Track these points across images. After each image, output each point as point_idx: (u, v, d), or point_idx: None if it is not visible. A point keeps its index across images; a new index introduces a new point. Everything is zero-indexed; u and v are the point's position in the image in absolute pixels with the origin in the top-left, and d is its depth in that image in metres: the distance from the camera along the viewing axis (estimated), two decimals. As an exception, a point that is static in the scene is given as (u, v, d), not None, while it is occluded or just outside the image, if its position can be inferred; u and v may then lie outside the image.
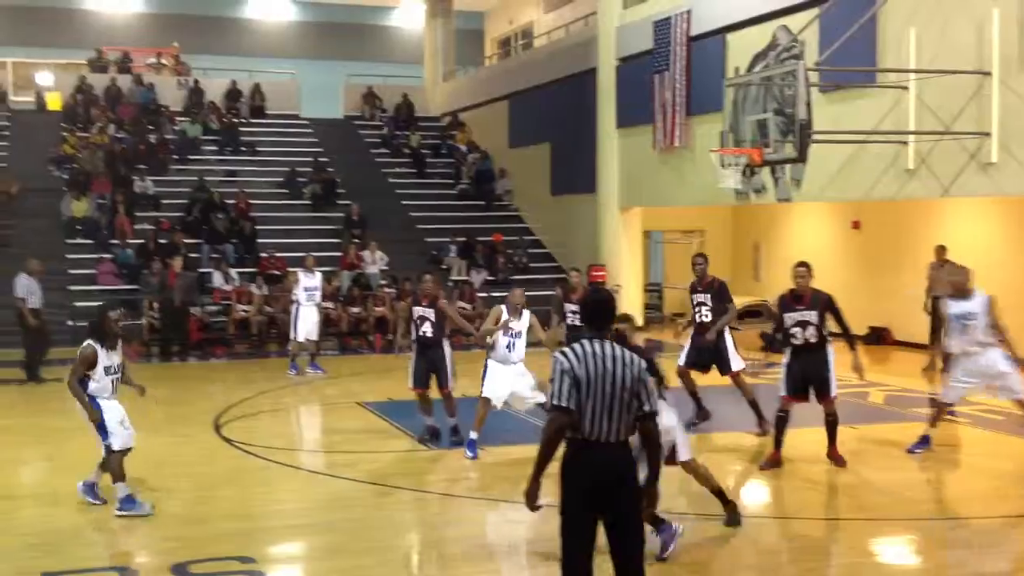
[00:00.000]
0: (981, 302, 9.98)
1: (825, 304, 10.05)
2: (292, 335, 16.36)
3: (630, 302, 22.10)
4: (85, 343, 8.66)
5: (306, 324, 16.23)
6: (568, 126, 24.29)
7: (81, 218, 22.54)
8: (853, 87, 15.80)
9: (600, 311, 5.43)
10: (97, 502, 8.75)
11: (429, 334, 10.95)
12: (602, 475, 5.21)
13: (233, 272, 21.13)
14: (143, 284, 19.94)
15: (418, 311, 11.02)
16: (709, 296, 11.65)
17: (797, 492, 9.50)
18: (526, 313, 10.69)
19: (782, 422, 10.04)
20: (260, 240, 22.89)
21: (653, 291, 24.72)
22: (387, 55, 39.52)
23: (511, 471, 9.68)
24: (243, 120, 29.01)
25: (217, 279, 20.82)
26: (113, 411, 8.64)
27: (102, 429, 8.57)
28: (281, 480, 9.99)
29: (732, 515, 7.96)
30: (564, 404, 5.15)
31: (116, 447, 8.58)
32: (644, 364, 5.34)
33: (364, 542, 7.95)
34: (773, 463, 9.96)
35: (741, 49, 18.34)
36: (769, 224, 23.03)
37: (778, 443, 10.03)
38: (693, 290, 11.84)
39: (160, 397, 12.40)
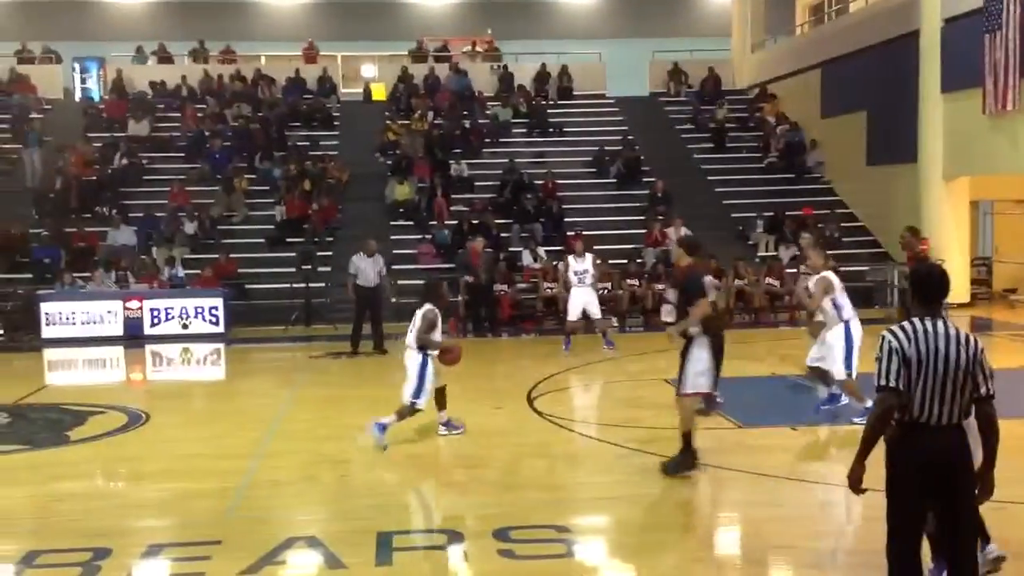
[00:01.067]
0: None
1: None
2: (571, 316, 16.77)
3: (955, 278, 20.71)
4: (429, 307, 10.05)
5: (576, 305, 16.61)
6: (886, 92, 23.04)
7: (403, 201, 23.92)
8: None
9: (934, 287, 5.17)
10: (381, 438, 9.90)
11: None
12: (933, 459, 4.98)
13: (541, 251, 21.71)
14: (457, 263, 20.91)
15: None
16: None
17: None
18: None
19: None
20: (567, 219, 23.36)
21: (981, 266, 23.02)
22: (693, 30, 39.04)
23: (823, 451, 9.36)
24: (551, 102, 29.67)
25: (526, 258, 21.47)
26: (433, 374, 9.87)
27: (420, 385, 9.83)
28: (587, 453, 10.20)
29: (677, 463, 8.44)
30: (893, 384, 4.96)
31: (420, 407, 9.96)
32: (980, 343, 5.04)
33: (669, 517, 7.97)
34: None
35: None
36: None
37: None
38: None
39: (475, 372, 12.97)
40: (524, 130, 28.20)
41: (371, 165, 26.03)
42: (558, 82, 30.58)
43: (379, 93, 30.91)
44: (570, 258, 17.02)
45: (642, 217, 23.68)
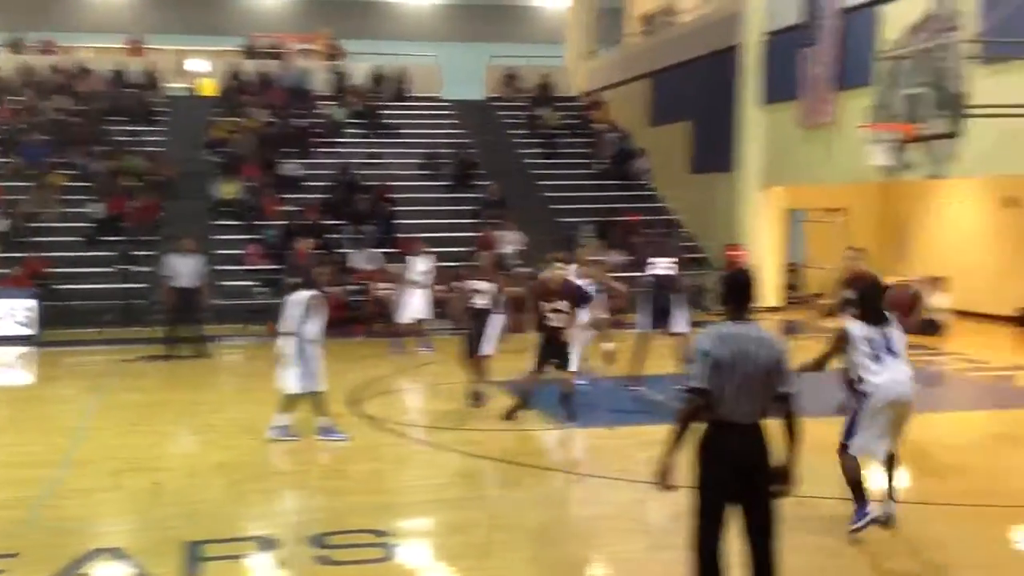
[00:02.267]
0: None
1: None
2: (406, 316, 16.75)
3: (769, 283, 21.60)
4: (314, 293, 10.18)
5: (411, 307, 16.65)
6: (711, 103, 23.81)
7: (230, 200, 23.28)
8: (1016, 59, 14.93)
9: (742, 291, 5.33)
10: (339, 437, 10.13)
11: None
12: (738, 458, 5.14)
13: (374, 252, 21.49)
14: (285, 264, 20.47)
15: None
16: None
17: (938, 477, 9.07)
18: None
19: None
20: (399, 221, 23.22)
21: (793, 271, 24.07)
22: (529, 36, 39.56)
23: (641, 451, 9.53)
24: (386, 103, 29.45)
25: (357, 259, 21.21)
26: (318, 357, 10.17)
27: (309, 372, 10.07)
28: (414, 456, 10.11)
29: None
30: (701, 385, 5.11)
31: (320, 389, 10.18)
32: (784, 345, 5.23)
33: (494, 519, 7.95)
34: None
35: (894, 21, 17.56)
36: (917, 202, 22.08)
37: None
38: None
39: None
40: (358, 131, 27.89)
41: (199, 162, 25.23)
42: (394, 83, 30.39)
43: (209, 89, 30.03)
44: (409, 259, 16.89)
45: (475, 220, 23.75)
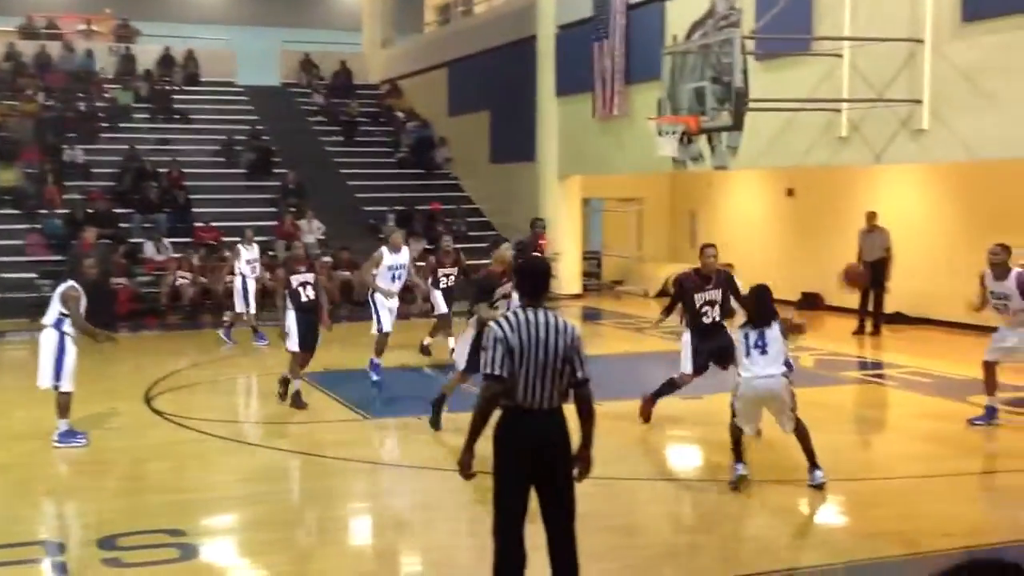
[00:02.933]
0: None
1: (728, 282, 10.01)
2: (239, 307, 16.22)
3: (569, 270, 22.17)
4: (71, 284, 9.57)
5: (248, 296, 16.17)
6: (508, 94, 24.17)
7: (9, 188, 22.00)
8: (788, 55, 15.89)
9: (536, 280, 5.44)
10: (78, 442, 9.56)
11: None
12: (536, 443, 5.23)
13: (166, 242, 20.78)
14: (69, 255, 19.52)
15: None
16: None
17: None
18: (405, 250, 13.58)
19: (673, 387, 10.18)
20: (195, 210, 22.53)
21: (592, 259, 24.79)
22: (325, 22, 38.98)
23: (449, 439, 9.66)
24: (176, 88, 28.46)
25: (149, 249, 20.46)
26: (73, 355, 9.56)
27: (59, 368, 9.41)
28: (213, 452, 9.86)
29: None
30: (497, 372, 5.16)
31: (66, 389, 9.51)
32: (577, 331, 5.37)
33: (296, 514, 7.90)
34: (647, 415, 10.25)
35: (679, 17, 18.36)
36: (706, 191, 23.17)
37: (657, 397, 10.23)
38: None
39: (87, 370, 12.13)
40: (147, 116, 26.83)
41: (-29, 148, 23.67)
42: (184, 67, 29.38)
43: (-19, 70, 28.15)
44: (240, 246, 16.37)
45: (274, 209, 23.31)
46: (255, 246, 16.56)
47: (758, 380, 7.86)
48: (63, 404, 9.65)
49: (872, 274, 16.07)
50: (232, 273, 16.58)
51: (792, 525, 7.54)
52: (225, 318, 16.66)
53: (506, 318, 5.30)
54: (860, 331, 16.32)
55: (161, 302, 19.42)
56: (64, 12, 33.13)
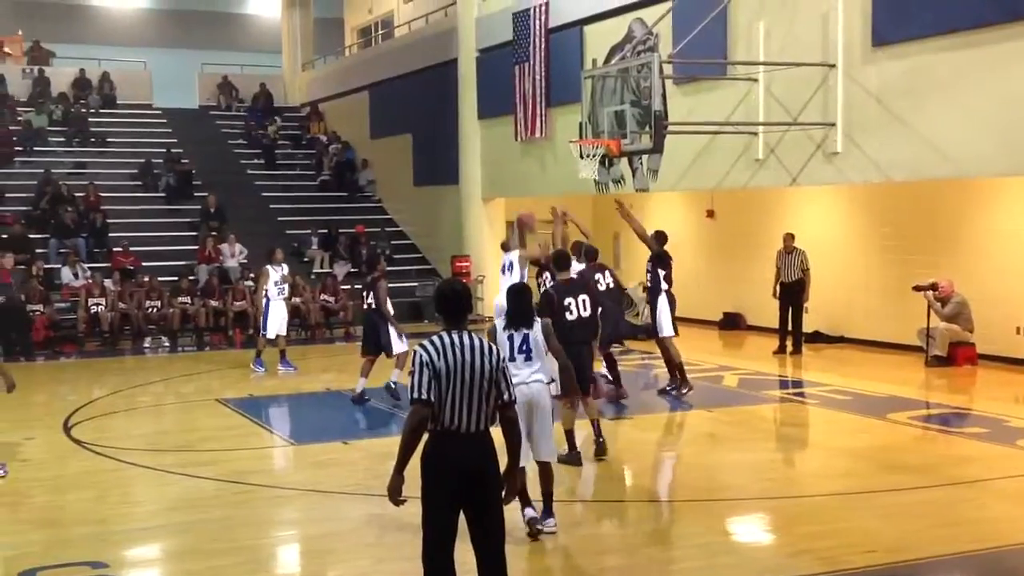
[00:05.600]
0: None
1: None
2: (271, 331, 15.51)
3: (494, 292, 22.21)
4: None
5: (277, 319, 15.52)
6: (430, 117, 24.22)
7: (-83, 213, 21.39)
8: (705, 79, 16.21)
9: (456, 303, 5.45)
10: None
11: None
12: (463, 466, 5.24)
13: (84, 267, 20.38)
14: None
15: None
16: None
17: (652, 476, 9.73)
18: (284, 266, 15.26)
19: None
20: (113, 234, 22.13)
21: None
22: (243, 44, 38.68)
23: (377, 464, 9.62)
24: (92, 110, 27.96)
25: (66, 275, 20.04)
26: None
27: None
28: (136, 481, 9.69)
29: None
30: (424, 396, 5.16)
31: None
32: (502, 354, 5.41)
33: (221, 542, 7.77)
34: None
35: (598, 41, 18.62)
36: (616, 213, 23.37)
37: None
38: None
39: (4, 399, 11.80)
40: (62, 139, 26.33)
41: None
42: (100, 89, 28.89)
43: None
44: (269, 268, 15.60)
45: (195, 233, 23.00)
46: (284, 267, 15.85)
47: (523, 386, 7.29)
48: None
49: (790, 295, 16.45)
50: (254, 294, 16.12)
51: (714, 544, 7.65)
52: (259, 346, 15.80)
53: (431, 342, 5.29)
54: (781, 350, 16.64)
55: (79, 328, 19.00)
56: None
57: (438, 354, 5.21)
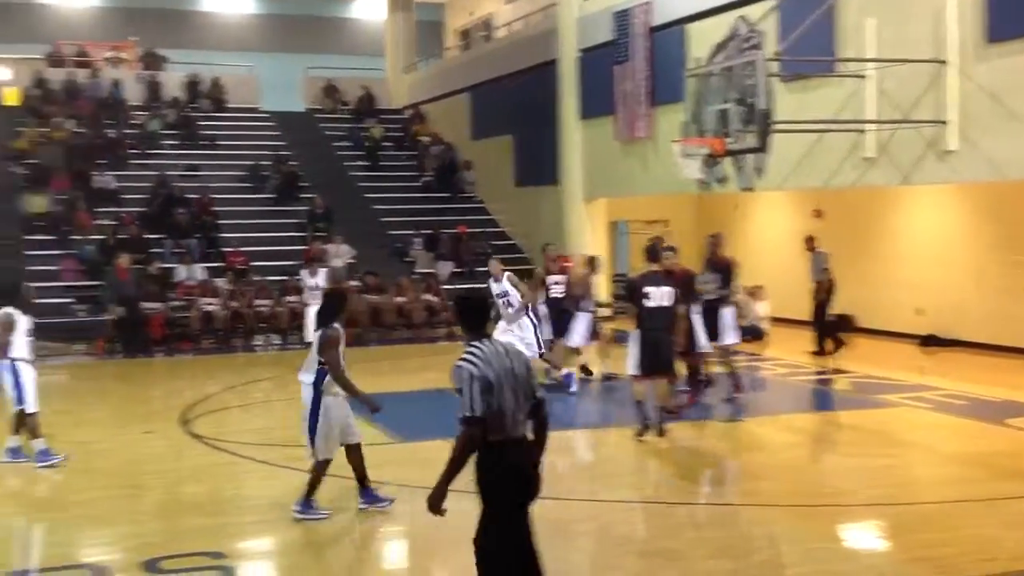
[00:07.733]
0: None
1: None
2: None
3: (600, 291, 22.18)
4: (6, 311, 9.76)
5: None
6: (530, 118, 24.30)
7: (40, 214, 22.27)
8: (812, 77, 15.94)
9: (483, 312, 5.47)
10: (22, 460, 9.84)
11: None
12: (527, 472, 5.23)
13: (197, 267, 20.99)
14: (105, 280, 19.75)
15: None
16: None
17: (765, 479, 9.62)
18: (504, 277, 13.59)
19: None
20: (223, 235, 22.74)
21: (620, 281, 24.77)
22: (347, 48, 39.37)
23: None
24: (203, 114, 28.77)
25: (181, 273, 20.67)
26: (31, 374, 9.86)
27: (20, 392, 9.73)
28: (249, 475, 9.96)
29: None
30: (480, 415, 5.07)
31: (32, 410, 9.80)
32: (529, 355, 5.49)
33: (334, 535, 7.95)
34: None
35: (701, 40, 18.45)
36: (732, 213, 23.15)
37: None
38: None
39: (124, 394, 12.29)
40: (175, 142, 27.14)
41: (2, 175, 23.99)
42: (210, 94, 29.70)
43: (11, 97, 28.56)
44: (304, 272, 16.24)
45: (302, 233, 23.49)
46: (321, 272, 16.38)
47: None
48: (32, 425, 9.93)
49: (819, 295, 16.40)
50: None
51: (829, 552, 7.53)
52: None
53: (473, 354, 5.19)
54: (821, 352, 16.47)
55: (193, 327, 19.57)
56: (91, 40, 33.58)
57: (486, 363, 5.14)
